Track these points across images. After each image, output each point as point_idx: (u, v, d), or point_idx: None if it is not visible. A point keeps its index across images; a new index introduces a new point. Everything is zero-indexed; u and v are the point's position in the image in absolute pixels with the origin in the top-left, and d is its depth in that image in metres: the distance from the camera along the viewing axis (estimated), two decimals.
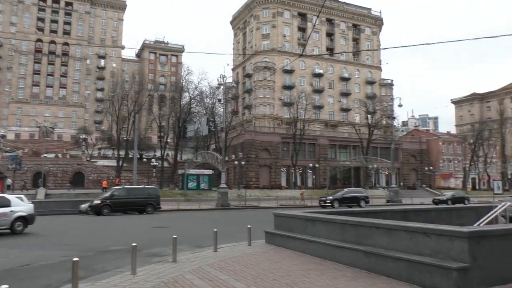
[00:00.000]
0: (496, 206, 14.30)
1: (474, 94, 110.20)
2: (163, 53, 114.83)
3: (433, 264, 6.41)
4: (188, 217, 26.39)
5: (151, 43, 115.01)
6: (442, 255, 6.51)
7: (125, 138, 60.76)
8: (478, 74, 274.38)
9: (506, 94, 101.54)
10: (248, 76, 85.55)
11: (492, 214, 13.59)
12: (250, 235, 11.14)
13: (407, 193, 54.92)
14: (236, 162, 61.66)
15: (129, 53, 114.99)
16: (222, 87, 46.15)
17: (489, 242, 6.50)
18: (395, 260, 7.05)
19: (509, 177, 79.38)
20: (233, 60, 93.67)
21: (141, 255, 9.75)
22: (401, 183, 70.97)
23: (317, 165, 66.86)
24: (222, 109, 55.03)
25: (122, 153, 60.32)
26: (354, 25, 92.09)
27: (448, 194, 44.46)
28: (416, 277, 6.62)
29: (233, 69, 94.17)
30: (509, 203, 14.51)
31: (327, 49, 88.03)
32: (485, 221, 13.11)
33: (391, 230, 7.54)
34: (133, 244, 7.75)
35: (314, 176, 68.17)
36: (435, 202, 40.22)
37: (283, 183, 64.78)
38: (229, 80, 68.80)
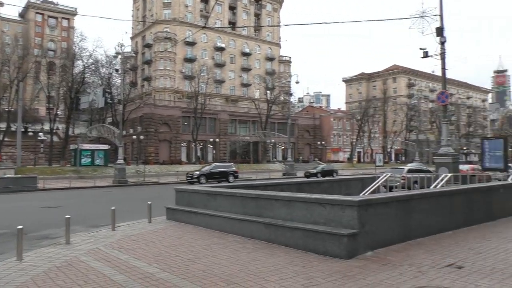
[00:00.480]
0: (379, 177, 15.85)
1: (362, 73, 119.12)
2: (52, 15, 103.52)
3: (326, 232, 6.87)
4: (82, 195, 24.84)
5: (38, 2, 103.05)
6: (334, 223, 7.01)
7: (6, 109, 54.45)
8: (368, 55, 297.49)
9: (389, 75, 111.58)
10: (148, 46, 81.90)
11: (375, 184, 15.02)
12: (151, 212, 10.86)
13: (301, 167, 58.12)
14: (134, 137, 59.33)
15: (10, 11, 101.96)
16: (119, 56, 43.45)
17: (375, 209, 7.17)
18: (293, 230, 7.43)
19: (389, 150, 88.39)
20: (132, 28, 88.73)
21: (28, 239, 8.95)
22: (301, 157, 75.01)
23: (217, 140, 67.35)
24: (119, 80, 51.94)
25: (3, 126, 54.09)
26: (256, 0, 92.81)
27: (319, 167, 45.10)
28: (311, 245, 7.04)
29: (132, 38, 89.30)
30: (390, 174, 16.18)
31: (229, 23, 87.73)
32: (370, 191, 14.46)
33: (290, 201, 7.90)
34: (19, 226, 7.05)
35: (214, 151, 68.66)
36: (307, 175, 40.63)
37: (183, 158, 64.23)
38: (128, 49, 65.12)
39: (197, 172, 34.69)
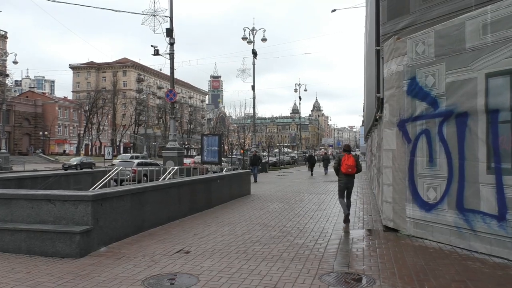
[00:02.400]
0: (110, 171, 15.67)
1: (92, 62, 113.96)
2: None
3: (56, 231, 6.34)
4: None
5: None
6: (66, 221, 6.54)
7: None
8: (98, 43, 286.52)
9: (119, 68, 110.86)
10: None
11: (106, 178, 14.78)
12: None
13: (19, 160, 51.00)
14: None
15: None
16: None
17: (110, 203, 7.07)
18: (14, 232, 6.48)
19: (118, 144, 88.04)
20: None
21: None
22: (30, 148, 65.48)
23: None
24: None
25: None
26: None
27: (77, 158, 45.18)
28: (37, 247, 6.34)
29: None
30: (121, 167, 16.22)
31: None
32: (100, 185, 14.12)
33: (10, 200, 6.85)
34: None
35: None
36: (65, 168, 40.61)
37: None
38: None
39: None
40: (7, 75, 55.63)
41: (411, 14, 8.21)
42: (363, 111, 35.44)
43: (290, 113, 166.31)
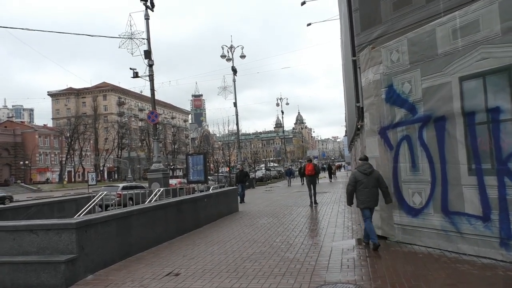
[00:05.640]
0: (94, 196, 15.40)
1: (70, 88, 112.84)
2: None
3: (39, 262, 6.18)
4: None
5: None
6: (50, 251, 6.37)
7: None
8: (75, 69, 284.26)
9: (99, 92, 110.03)
10: None
11: (90, 204, 14.52)
12: None
13: None
14: None
15: None
16: None
17: (95, 230, 6.93)
18: None
19: (101, 169, 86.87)
20: None
21: None
22: (11, 179, 64.01)
23: None
24: None
25: None
26: None
27: None
28: (21, 280, 6.16)
29: None
30: (105, 192, 15.97)
31: None
32: (85, 211, 13.85)
33: None
34: None
35: None
36: None
37: None
38: None
39: None
40: None
41: (384, 24, 8.41)
42: (345, 121, 35.83)
43: (274, 127, 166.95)
